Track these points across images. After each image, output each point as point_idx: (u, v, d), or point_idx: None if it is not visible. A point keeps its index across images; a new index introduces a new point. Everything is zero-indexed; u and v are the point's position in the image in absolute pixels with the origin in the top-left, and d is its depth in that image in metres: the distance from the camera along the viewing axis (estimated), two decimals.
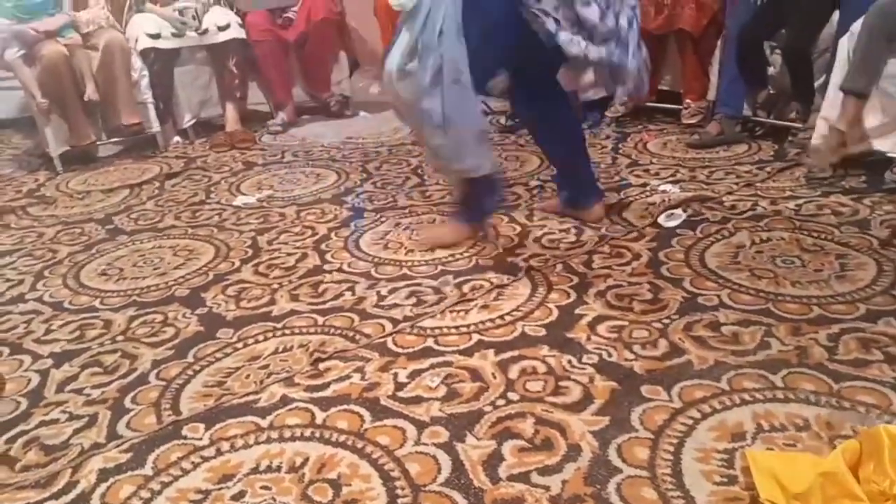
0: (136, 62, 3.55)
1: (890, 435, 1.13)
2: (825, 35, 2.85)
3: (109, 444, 1.47)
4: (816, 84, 2.92)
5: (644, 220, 2.36)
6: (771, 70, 3.05)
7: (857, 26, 2.46)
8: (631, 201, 2.54)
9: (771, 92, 3.07)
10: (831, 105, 2.59)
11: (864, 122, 2.47)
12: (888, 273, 1.90)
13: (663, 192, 2.60)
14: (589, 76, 2.10)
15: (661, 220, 2.34)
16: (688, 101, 3.32)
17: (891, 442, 1.12)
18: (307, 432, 1.46)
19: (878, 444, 1.14)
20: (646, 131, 3.39)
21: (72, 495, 1.35)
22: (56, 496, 1.35)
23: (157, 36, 3.62)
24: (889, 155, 2.49)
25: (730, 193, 2.53)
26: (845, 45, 2.52)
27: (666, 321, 1.76)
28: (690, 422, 1.39)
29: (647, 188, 2.66)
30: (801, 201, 2.42)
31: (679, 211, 2.39)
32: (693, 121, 3.29)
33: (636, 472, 1.28)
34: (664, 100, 3.53)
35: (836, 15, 2.75)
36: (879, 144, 2.51)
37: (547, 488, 1.26)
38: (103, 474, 1.39)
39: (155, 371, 1.73)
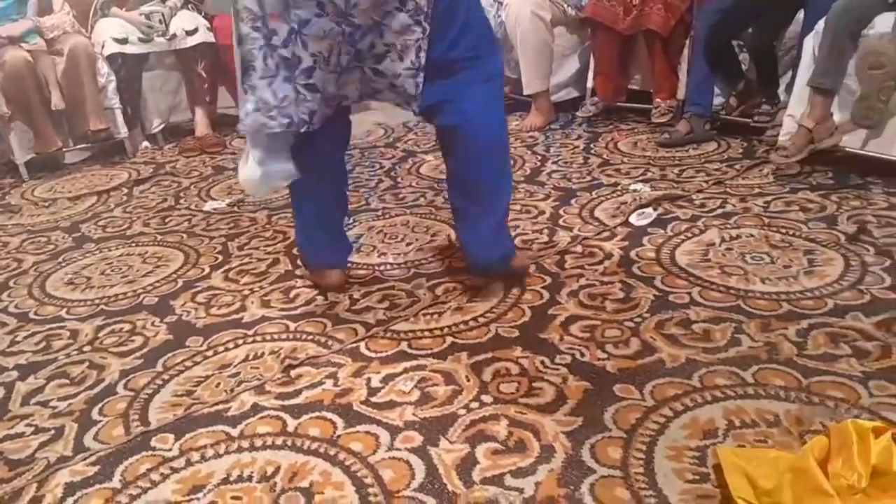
0: (103, 67, 3.50)
1: (858, 430, 1.14)
2: (791, 33, 2.89)
3: (76, 458, 1.44)
4: (784, 83, 2.96)
5: (615, 219, 2.37)
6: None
7: (821, 24, 2.50)
8: (602, 200, 2.55)
9: (740, 88, 3.11)
10: (798, 102, 2.62)
11: (833, 117, 2.51)
12: (855, 268, 1.92)
13: (634, 190, 2.61)
14: None
15: (633, 218, 2.35)
16: (657, 100, 3.35)
17: (859, 437, 1.13)
18: (279, 440, 1.44)
19: (846, 438, 1.15)
20: (616, 131, 3.41)
21: None
22: None
23: (124, 41, 3.57)
24: (855, 151, 2.52)
25: (700, 191, 2.55)
26: (811, 43, 2.56)
27: (638, 320, 1.76)
28: (663, 420, 1.40)
29: (619, 187, 2.67)
30: (769, 198, 2.44)
31: (650, 210, 2.40)
32: (663, 120, 3.31)
33: (609, 472, 1.28)
34: (634, 99, 3.56)
35: (801, 14, 2.79)
36: (846, 142, 2.55)
37: (521, 491, 1.26)
38: (70, 488, 1.36)
39: (123, 381, 1.70)
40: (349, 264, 2.15)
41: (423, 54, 1.67)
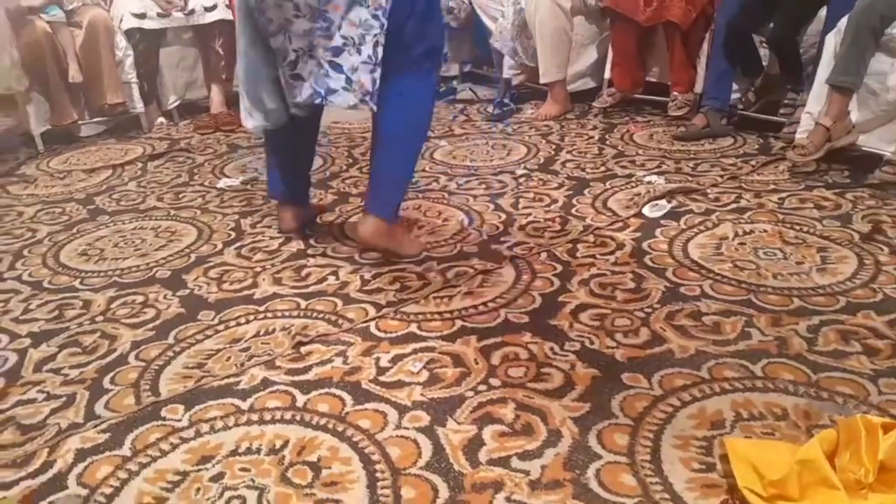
0: (121, 41, 3.51)
1: (867, 425, 1.14)
2: (813, 30, 2.87)
3: (87, 425, 1.46)
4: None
5: (629, 210, 2.37)
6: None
7: (843, 22, 2.47)
8: (616, 191, 2.55)
9: (759, 83, 3.09)
10: (816, 100, 2.61)
11: (851, 115, 2.49)
12: (868, 267, 1.92)
13: (648, 182, 2.61)
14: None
15: (646, 210, 2.34)
16: (675, 93, 3.33)
17: (867, 432, 1.14)
18: (288, 415, 1.45)
19: (854, 433, 1.15)
20: (632, 123, 3.40)
21: (48, 475, 1.33)
22: (32, 475, 1.33)
23: (142, 16, 3.57)
24: (872, 150, 2.51)
25: (714, 186, 2.54)
26: (832, 41, 2.54)
27: (648, 310, 1.76)
28: (670, 409, 1.40)
29: (633, 179, 2.66)
30: (784, 195, 2.43)
31: (664, 202, 2.40)
32: (679, 113, 3.29)
33: (615, 459, 1.28)
34: (651, 91, 3.55)
35: (823, 11, 2.76)
36: (863, 141, 2.54)
37: (527, 473, 1.26)
38: (80, 454, 1.38)
39: (134, 352, 1.72)
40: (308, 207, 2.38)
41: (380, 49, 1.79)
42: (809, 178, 2.56)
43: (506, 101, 3.70)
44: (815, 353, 1.56)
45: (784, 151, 2.75)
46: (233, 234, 2.36)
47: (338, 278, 2.02)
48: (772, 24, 2.92)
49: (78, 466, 1.35)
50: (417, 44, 1.89)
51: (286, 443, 1.37)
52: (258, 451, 1.36)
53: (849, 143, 2.50)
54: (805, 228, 2.17)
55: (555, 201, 2.49)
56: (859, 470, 1.12)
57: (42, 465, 1.36)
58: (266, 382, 1.56)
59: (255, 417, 1.45)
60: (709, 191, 2.50)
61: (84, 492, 1.28)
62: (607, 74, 3.56)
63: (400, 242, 2.11)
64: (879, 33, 2.40)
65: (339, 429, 1.40)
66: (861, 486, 1.11)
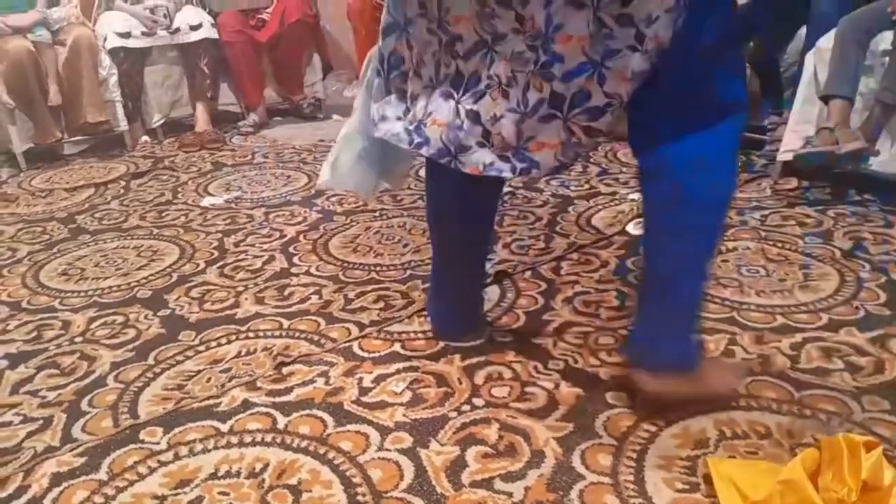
0: (105, 60, 3.50)
1: (849, 444, 1.14)
2: (794, 50, 2.90)
3: (64, 448, 1.43)
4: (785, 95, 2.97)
5: (613, 227, 2.37)
6: None
7: (822, 41, 2.51)
8: (600, 209, 2.55)
9: None
10: (798, 118, 2.62)
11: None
12: (850, 283, 1.92)
13: (632, 200, 2.61)
14: None
15: (630, 228, 2.35)
16: None
17: (850, 451, 1.13)
18: (268, 437, 1.43)
19: (837, 452, 1.14)
20: (616, 141, 3.40)
21: (23, 500, 1.30)
22: (6, 501, 1.31)
23: (126, 35, 3.57)
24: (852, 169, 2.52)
25: None
26: (812, 60, 2.56)
27: (632, 328, 1.75)
28: (654, 429, 1.39)
29: (617, 197, 2.67)
30: (766, 212, 2.45)
31: None
32: None
33: (599, 479, 1.27)
34: None
35: (803, 30, 2.80)
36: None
37: (510, 495, 1.25)
38: (56, 479, 1.35)
39: (114, 373, 1.69)
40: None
41: None
42: (791, 196, 2.57)
43: None
44: (798, 370, 1.56)
45: (766, 169, 2.77)
46: (216, 253, 2.34)
47: (321, 297, 2.00)
48: (752, 44, 2.95)
49: (53, 491, 1.32)
50: (698, 80, 1.22)
51: (266, 465, 1.35)
52: (237, 474, 1.34)
53: (853, 148, 2.41)
54: (787, 245, 2.18)
55: (539, 219, 2.49)
56: (842, 489, 1.11)
57: (16, 490, 1.33)
58: (246, 404, 1.54)
59: (234, 440, 1.43)
60: None
61: None
62: None
63: (704, 383, 1.41)
64: (866, 45, 2.41)
65: (321, 451, 1.38)
66: None
